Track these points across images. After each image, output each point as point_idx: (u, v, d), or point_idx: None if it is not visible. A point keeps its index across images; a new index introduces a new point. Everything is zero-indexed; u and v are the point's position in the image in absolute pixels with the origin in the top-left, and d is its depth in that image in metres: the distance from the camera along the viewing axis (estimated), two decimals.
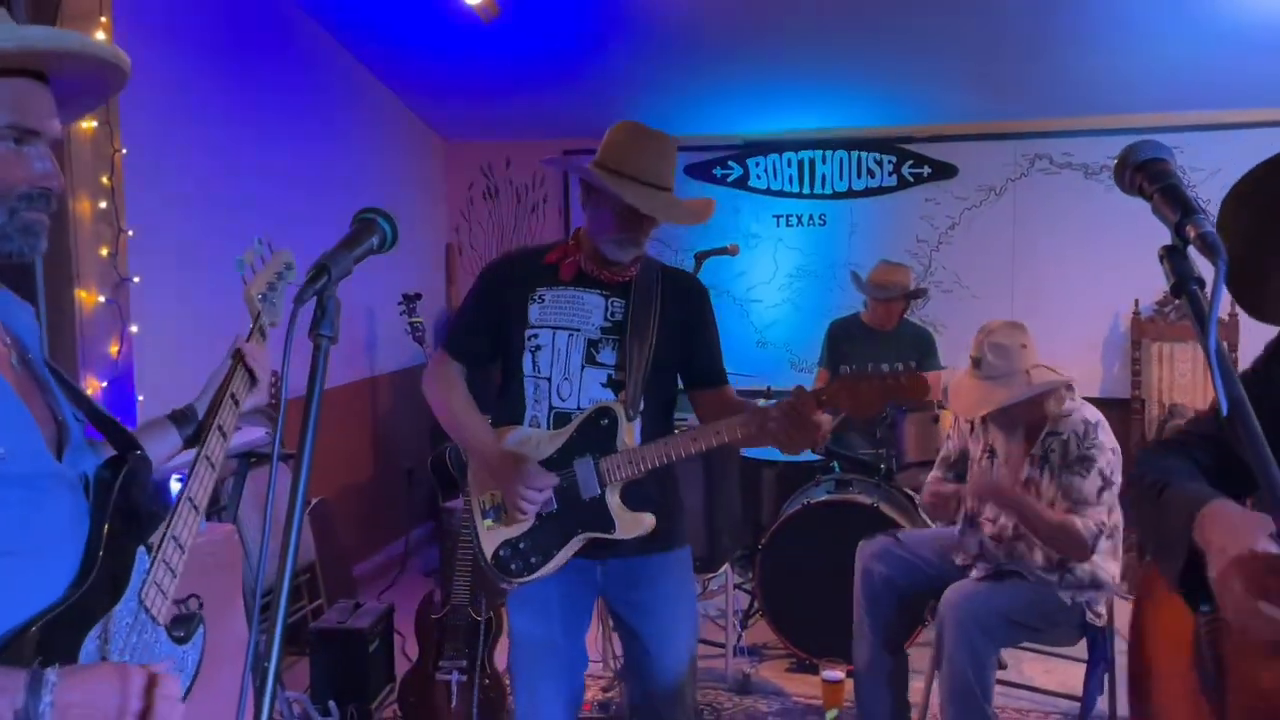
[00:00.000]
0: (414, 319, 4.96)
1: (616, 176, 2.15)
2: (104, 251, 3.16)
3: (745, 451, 4.20)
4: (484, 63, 4.94)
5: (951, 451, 3.24)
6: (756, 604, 4.06)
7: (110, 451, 1.31)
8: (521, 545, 2.21)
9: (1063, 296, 5.18)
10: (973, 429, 3.13)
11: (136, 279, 3.29)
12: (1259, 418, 1.09)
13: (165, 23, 3.67)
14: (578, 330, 2.24)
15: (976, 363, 2.91)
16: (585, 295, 2.25)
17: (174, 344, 3.58)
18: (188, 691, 1.31)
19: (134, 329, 3.28)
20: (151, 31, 3.57)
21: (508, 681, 2.41)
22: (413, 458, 5.41)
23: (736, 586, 4.04)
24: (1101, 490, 2.76)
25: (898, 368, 2.08)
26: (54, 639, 1.14)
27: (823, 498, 3.84)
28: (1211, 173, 4.95)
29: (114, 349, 3.20)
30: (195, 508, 1.33)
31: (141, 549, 1.27)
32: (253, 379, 1.50)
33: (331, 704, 3.40)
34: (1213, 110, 4.95)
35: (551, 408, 2.24)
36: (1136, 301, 5.10)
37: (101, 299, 3.16)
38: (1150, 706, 1.54)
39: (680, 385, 2.41)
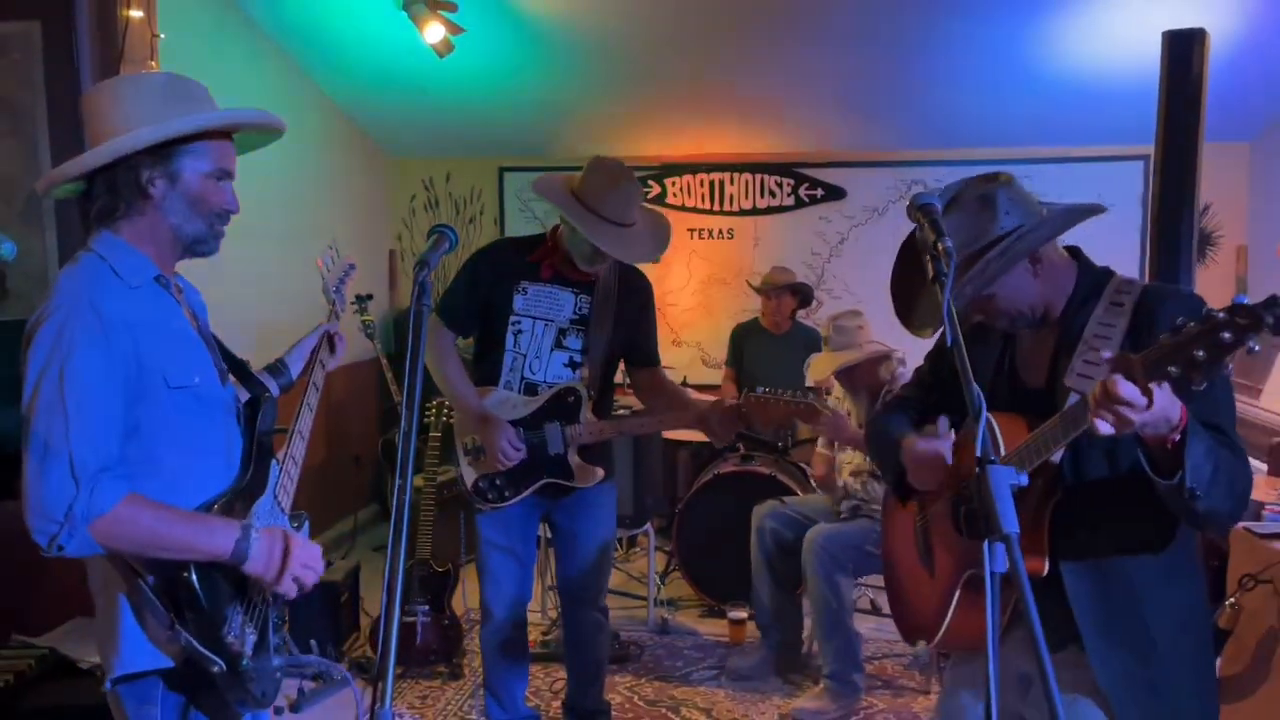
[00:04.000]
0: (365, 317, 5.42)
1: (592, 215, 2.71)
2: None
3: (665, 433, 4.87)
4: (429, 86, 5.45)
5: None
6: (674, 562, 4.70)
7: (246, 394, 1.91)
8: (498, 481, 2.87)
9: None
10: (840, 403, 3.89)
11: None
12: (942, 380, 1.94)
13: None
14: (552, 321, 2.88)
15: (826, 340, 3.75)
16: (559, 292, 2.89)
17: None
18: None
19: None
20: None
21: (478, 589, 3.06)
22: (360, 444, 5.88)
23: (657, 549, 4.68)
24: None
25: (802, 396, 2.75)
26: (232, 508, 1.75)
27: (729, 469, 4.51)
28: (1057, 199, 5.73)
29: None
30: (302, 437, 1.94)
31: (273, 461, 1.87)
32: (332, 349, 2.12)
33: (313, 643, 3.92)
34: (1059, 145, 5.76)
35: (523, 378, 2.90)
36: None
37: None
38: (894, 583, 2.24)
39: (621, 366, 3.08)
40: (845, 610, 3.52)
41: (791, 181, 6.17)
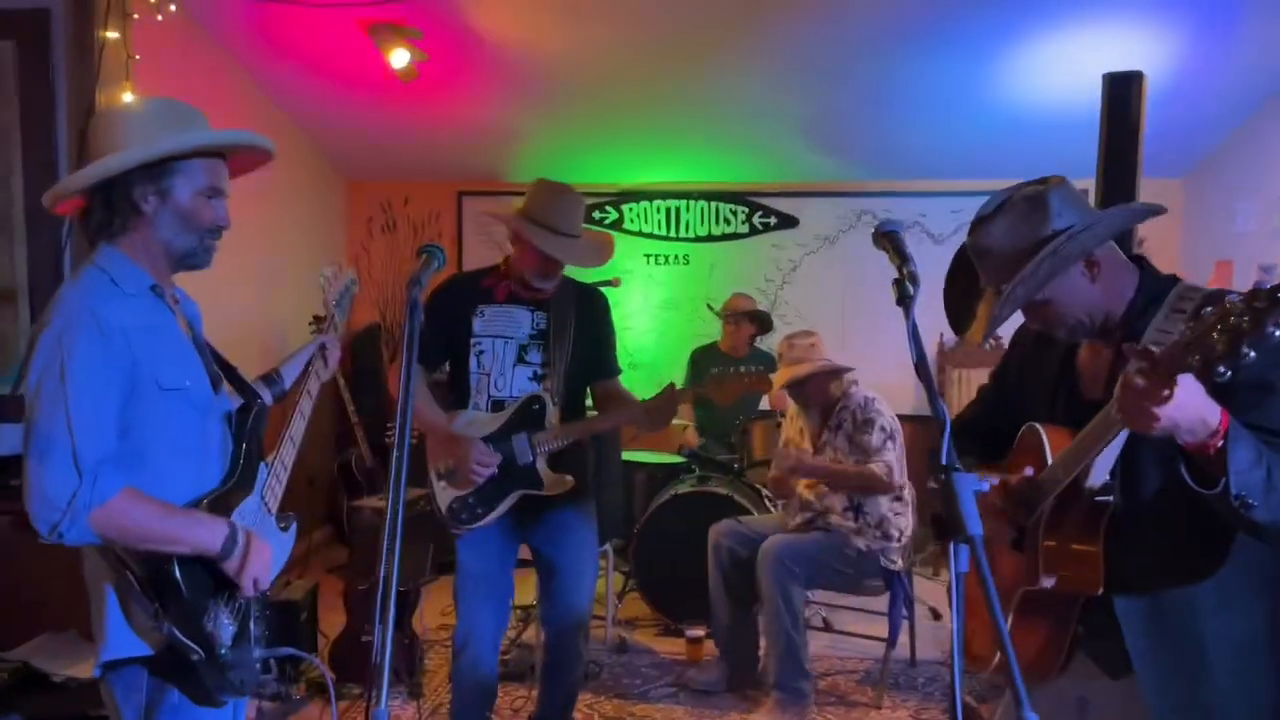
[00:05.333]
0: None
1: (537, 227, 2.84)
2: None
3: (624, 455, 4.94)
4: (389, 109, 5.50)
5: (786, 440, 4.11)
6: (631, 582, 4.75)
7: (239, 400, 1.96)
8: (470, 500, 2.91)
9: (884, 329, 5.89)
10: (793, 420, 4.02)
11: None
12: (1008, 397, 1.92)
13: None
14: (511, 338, 2.96)
15: (781, 356, 3.91)
16: (515, 310, 2.97)
17: None
18: (288, 561, 1.98)
19: None
20: None
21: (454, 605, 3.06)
22: (314, 466, 5.85)
23: (615, 569, 4.72)
24: (886, 440, 3.68)
25: (751, 369, 2.95)
26: (216, 509, 1.82)
27: (687, 489, 4.58)
28: None
29: None
30: (293, 443, 2.00)
31: (262, 464, 1.92)
32: (326, 361, 2.18)
33: (271, 663, 3.91)
34: (1003, 179, 5.85)
35: (490, 396, 2.95)
36: (941, 335, 6.06)
37: None
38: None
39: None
40: (796, 619, 3.61)
41: (746, 209, 6.32)
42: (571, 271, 2.98)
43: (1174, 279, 1.78)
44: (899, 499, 3.75)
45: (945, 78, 5.03)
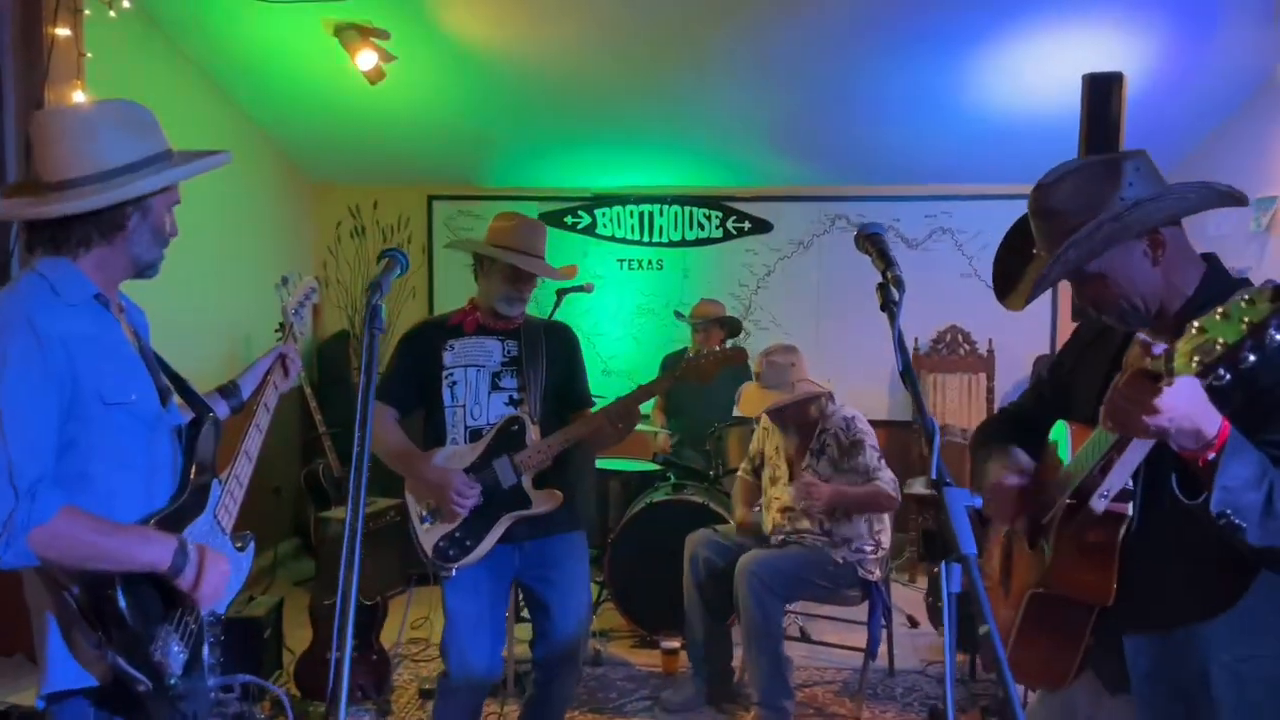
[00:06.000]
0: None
1: (504, 250, 2.84)
2: None
3: (597, 464, 4.87)
4: (357, 111, 5.39)
5: (755, 452, 4.03)
6: (605, 593, 4.67)
7: (190, 414, 1.86)
8: (458, 534, 2.80)
9: (857, 334, 6.00)
10: (767, 435, 3.93)
11: None
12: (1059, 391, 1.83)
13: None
14: (483, 366, 2.89)
15: (758, 375, 3.75)
16: (486, 340, 2.92)
17: None
18: (246, 582, 1.87)
19: None
20: None
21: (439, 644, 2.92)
22: (281, 475, 5.73)
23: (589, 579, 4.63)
24: (879, 457, 3.60)
25: (724, 345, 2.89)
26: (165, 528, 1.73)
27: (662, 498, 4.51)
28: (974, 234, 5.99)
29: None
30: (249, 458, 1.90)
31: (215, 481, 1.82)
32: (287, 372, 2.09)
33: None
34: (976, 184, 5.95)
35: (467, 427, 2.87)
36: (915, 340, 6.06)
37: None
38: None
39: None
40: (776, 636, 3.55)
41: (720, 214, 6.26)
42: (538, 298, 3.01)
43: (1243, 280, 1.64)
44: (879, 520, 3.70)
45: (920, 81, 5.01)
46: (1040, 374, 2.07)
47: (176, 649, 1.70)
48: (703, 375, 2.86)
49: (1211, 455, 1.39)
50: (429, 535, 2.82)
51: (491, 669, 2.88)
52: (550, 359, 2.93)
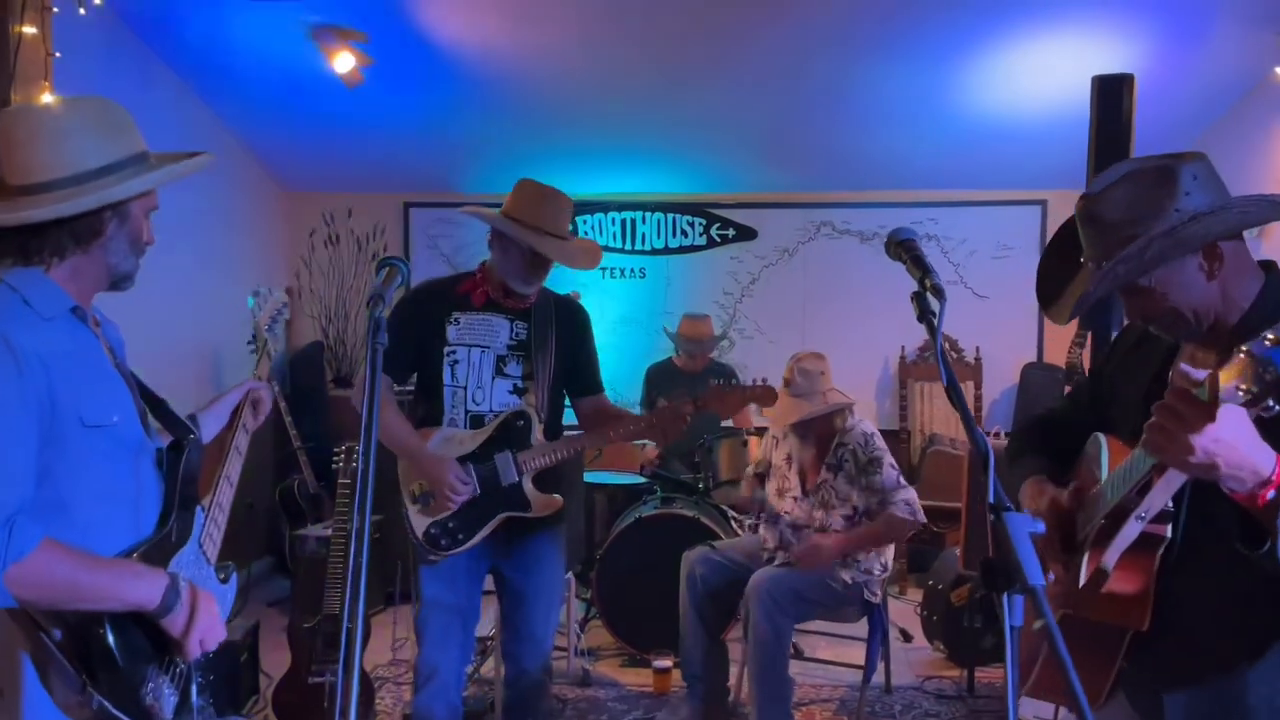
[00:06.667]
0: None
1: (524, 227, 2.65)
2: None
3: (585, 476, 4.74)
4: (332, 116, 5.26)
5: (762, 461, 3.91)
6: (594, 610, 4.55)
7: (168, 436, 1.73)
8: (451, 525, 2.69)
9: (844, 343, 5.84)
10: (776, 443, 3.81)
11: None
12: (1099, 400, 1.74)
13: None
14: (488, 348, 2.74)
15: (788, 383, 3.58)
16: (493, 319, 2.75)
17: None
18: (229, 617, 1.74)
19: None
20: None
21: (414, 637, 2.84)
22: (254, 491, 5.55)
23: (576, 596, 4.52)
24: (898, 476, 3.49)
25: (758, 381, 2.79)
26: (150, 561, 1.59)
27: (651, 512, 4.39)
28: (960, 241, 5.94)
29: None
30: (230, 483, 1.77)
31: (199, 508, 1.69)
32: (256, 410, 1.97)
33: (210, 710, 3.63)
34: (962, 190, 5.91)
35: (467, 411, 2.73)
36: (902, 348, 6.00)
37: None
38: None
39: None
40: (783, 656, 3.43)
41: (703, 221, 6.18)
42: (548, 283, 2.82)
43: None
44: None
45: (905, 87, 4.96)
46: (1080, 386, 1.98)
47: (168, 691, 1.57)
48: (726, 408, 2.76)
49: (1271, 494, 1.27)
50: (419, 519, 2.71)
51: (465, 656, 2.85)
52: (559, 341, 2.79)
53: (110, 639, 1.48)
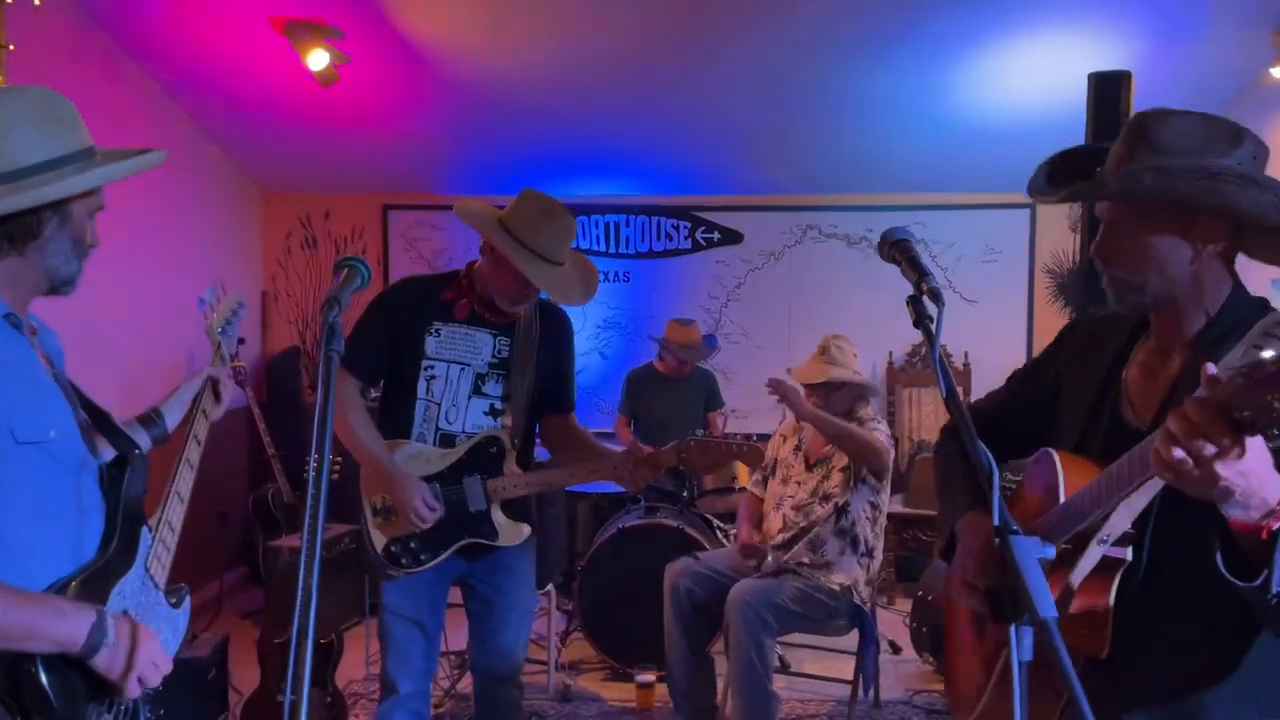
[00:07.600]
0: (236, 363, 5.06)
1: (521, 248, 2.46)
2: None
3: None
4: (308, 116, 5.14)
5: (768, 460, 3.79)
6: (575, 623, 4.43)
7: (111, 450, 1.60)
8: (413, 544, 2.57)
9: None
10: (784, 440, 3.76)
11: None
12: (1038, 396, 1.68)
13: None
14: (468, 365, 2.60)
15: (824, 350, 3.67)
16: (476, 334, 2.61)
17: None
18: (181, 645, 1.61)
19: None
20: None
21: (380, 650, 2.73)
22: (227, 500, 5.43)
23: (557, 608, 4.41)
24: (886, 437, 3.51)
25: (749, 437, 2.64)
26: (90, 589, 1.46)
27: (635, 522, 4.28)
28: (948, 245, 5.86)
29: None
30: (181, 499, 1.64)
31: (145, 528, 1.57)
32: (218, 398, 1.83)
33: None
34: (948, 193, 5.84)
35: (438, 429, 2.60)
36: (890, 353, 5.92)
37: None
38: (946, 641, 1.92)
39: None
40: (767, 673, 3.33)
41: (688, 225, 6.09)
42: None
43: (1264, 304, 1.46)
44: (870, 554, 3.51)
45: (892, 89, 4.88)
46: (1014, 373, 1.88)
47: None
48: (710, 462, 2.62)
49: (1277, 525, 1.20)
50: (379, 534, 2.59)
51: (429, 668, 2.72)
52: (541, 360, 2.66)
53: (43, 679, 1.36)
